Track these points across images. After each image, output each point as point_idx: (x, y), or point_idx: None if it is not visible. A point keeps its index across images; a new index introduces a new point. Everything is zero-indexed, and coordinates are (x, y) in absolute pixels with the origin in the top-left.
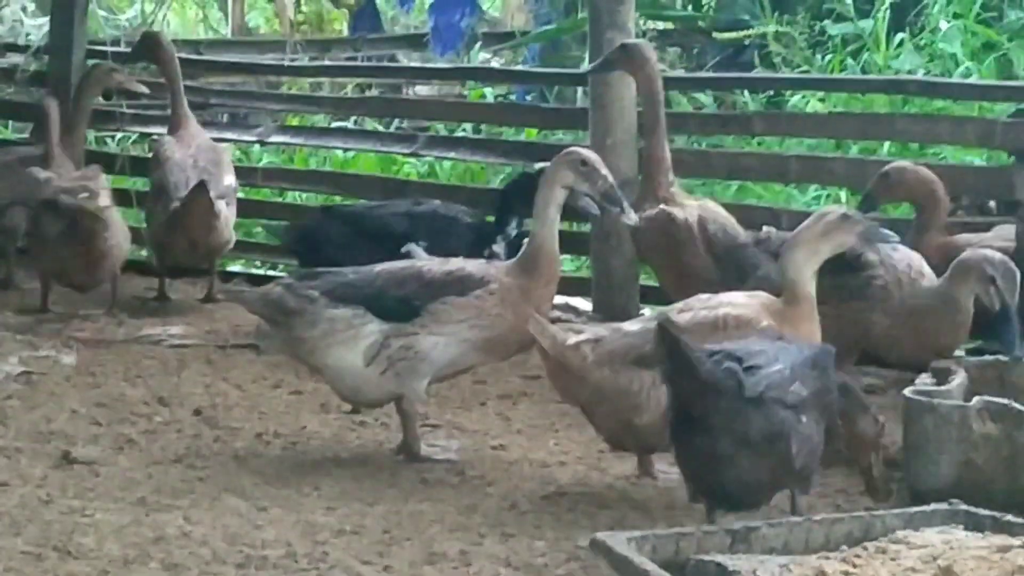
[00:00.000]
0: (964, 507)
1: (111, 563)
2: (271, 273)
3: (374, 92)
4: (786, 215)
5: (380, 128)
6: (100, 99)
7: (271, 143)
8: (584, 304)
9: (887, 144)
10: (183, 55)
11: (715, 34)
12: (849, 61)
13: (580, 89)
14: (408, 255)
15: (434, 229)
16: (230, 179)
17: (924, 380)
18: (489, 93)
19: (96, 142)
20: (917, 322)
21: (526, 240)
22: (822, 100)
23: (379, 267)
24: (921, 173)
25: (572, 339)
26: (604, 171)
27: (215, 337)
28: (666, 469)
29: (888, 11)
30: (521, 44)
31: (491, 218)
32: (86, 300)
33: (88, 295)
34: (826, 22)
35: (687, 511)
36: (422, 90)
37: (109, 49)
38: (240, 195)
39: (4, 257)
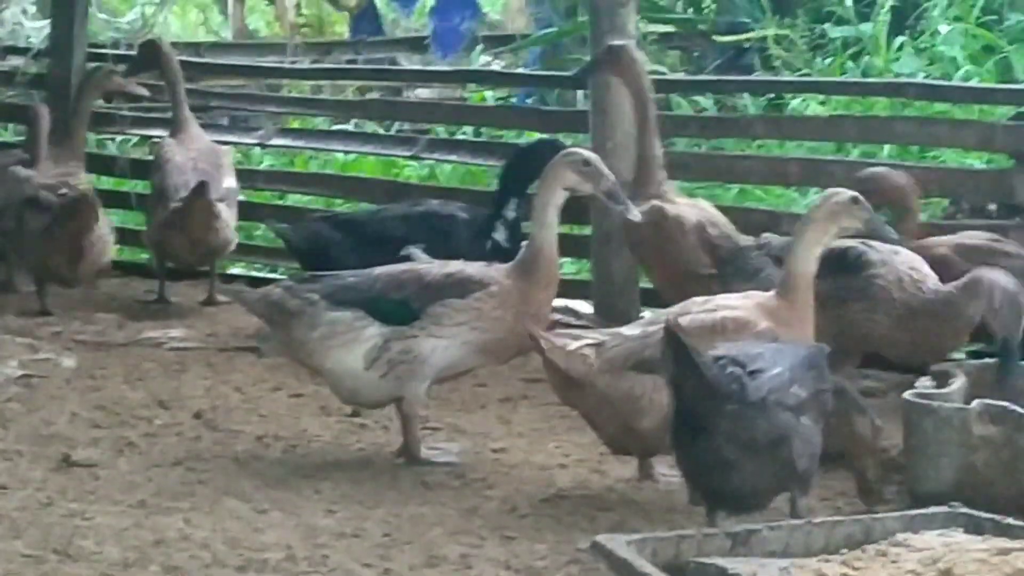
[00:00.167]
0: (964, 510)
1: (111, 566)
2: (272, 276)
3: (375, 95)
4: (786, 218)
5: (381, 131)
6: (100, 102)
7: (272, 146)
8: (585, 307)
9: (887, 147)
10: (184, 58)
11: (716, 37)
12: (849, 64)
13: (581, 92)
14: (408, 258)
15: (433, 229)
16: (231, 181)
17: (924, 383)
18: (490, 96)
19: (96, 144)
20: (919, 323)
21: (526, 229)
22: (822, 103)
23: (378, 270)
24: (892, 178)
25: (573, 345)
26: (606, 170)
27: (216, 340)
28: (667, 472)
29: (888, 14)
30: (522, 47)
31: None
32: (84, 302)
33: (87, 297)
34: (826, 25)
35: (687, 514)
36: (423, 93)
37: (109, 52)
38: (241, 198)
39: (4, 260)
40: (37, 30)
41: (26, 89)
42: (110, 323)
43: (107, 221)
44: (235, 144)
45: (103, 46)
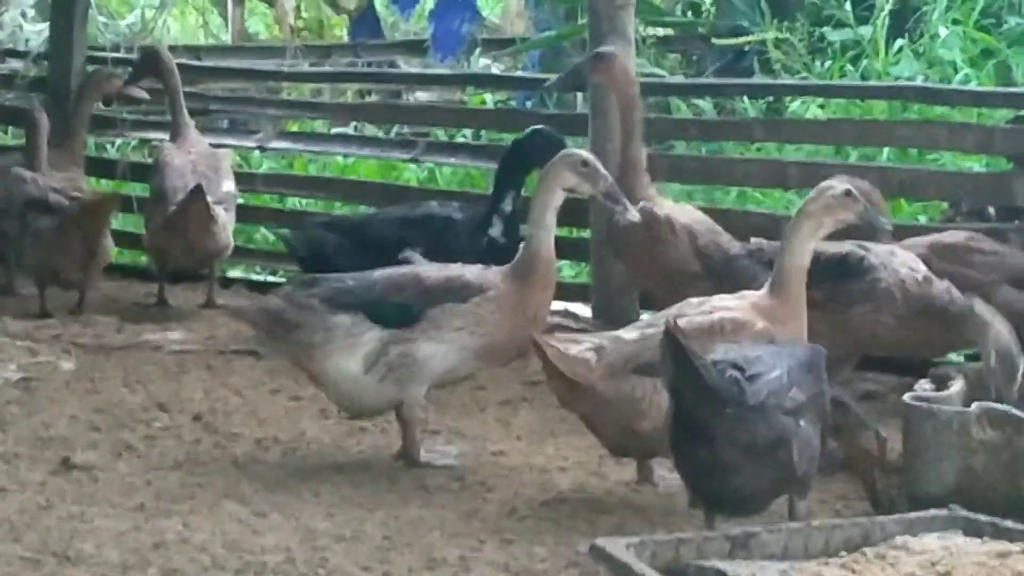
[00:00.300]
0: (963, 513)
1: (110, 569)
2: (271, 279)
3: (374, 98)
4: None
5: (380, 134)
6: (100, 105)
7: (271, 149)
8: (584, 310)
9: (886, 150)
10: (183, 61)
11: (715, 40)
12: (848, 67)
13: (580, 95)
14: (406, 261)
15: (432, 231)
16: (229, 185)
17: (923, 386)
18: (489, 99)
19: (96, 148)
20: (924, 323)
21: (523, 233)
22: (821, 106)
23: (377, 273)
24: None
25: (574, 350)
26: (604, 171)
27: (215, 343)
28: (666, 475)
29: (887, 18)
30: (521, 50)
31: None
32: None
33: (87, 300)
34: (825, 28)
35: (686, 517)
36: (422, 96)
37: (109, 55)
38: (240, 201)
39: (4, 262)
40: (37, 33)
41: (26, 92)
42: (109, 326)
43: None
44: (234, 147)
45: (102, 49)
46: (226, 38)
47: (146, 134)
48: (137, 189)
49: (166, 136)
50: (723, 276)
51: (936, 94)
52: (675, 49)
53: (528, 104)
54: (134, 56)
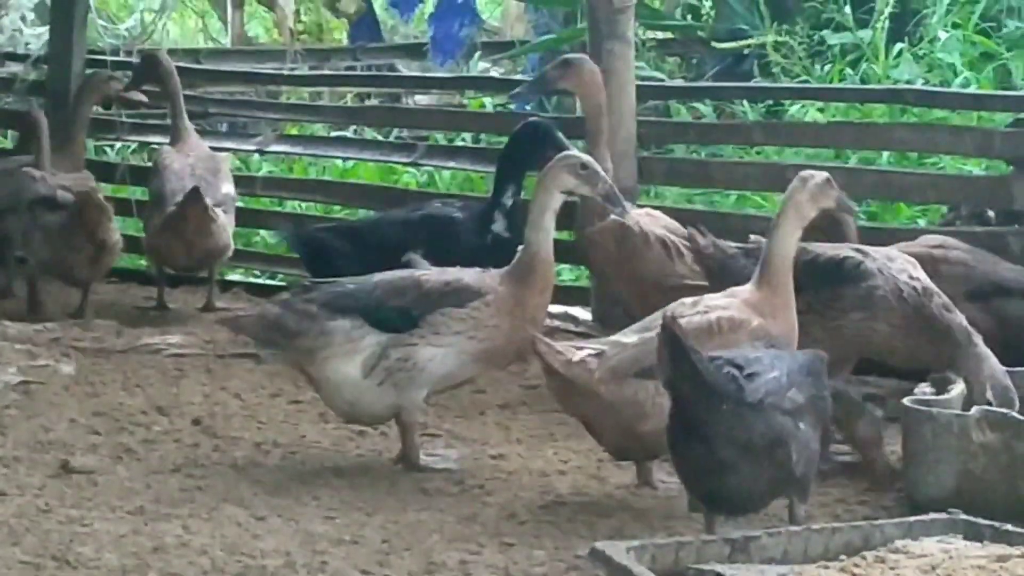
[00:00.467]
0: (963, 516)
1: (110, 572)
2: (271, 282)
3: (373, 101)
4: None
5: (379, 137)
6: (100, 109)
7: (270, 152)
8: (583, 313)
9: (886, 154)
10: (183, 64)
11: (714, 44)
12: (848, 71)
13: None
14: (408, 264)
15: (434, 231)
16: (228, 188)
17: (923, 389)
18: (489, 103)
19: (95, 151)
20: (915, 338)
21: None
22: (821, 110)
23: (377, 277)
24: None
25: (577, 356)
26: (602, 173)
27: (214, 346)
28: (665, 479)
29: (887, 21)
30: (520, 54)
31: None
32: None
33: (86, 303)
34: (825, 32)
35: (686, 520)
36: (421, 99)
37: (108, 58)
38: (239, 204)
39: (3, 265)
40: (36, 36)
41: (25, 96)
42: (109, 329)
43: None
44: (234, 150)
45: (102, 53)
46: (226, 42)
47: (145, 137)
48: (137, 192)
49: (166, 139)
50: (723, 276)
51: (936, 97)
52: (674, 52)
53: (527, 107)
54: (134, 60)
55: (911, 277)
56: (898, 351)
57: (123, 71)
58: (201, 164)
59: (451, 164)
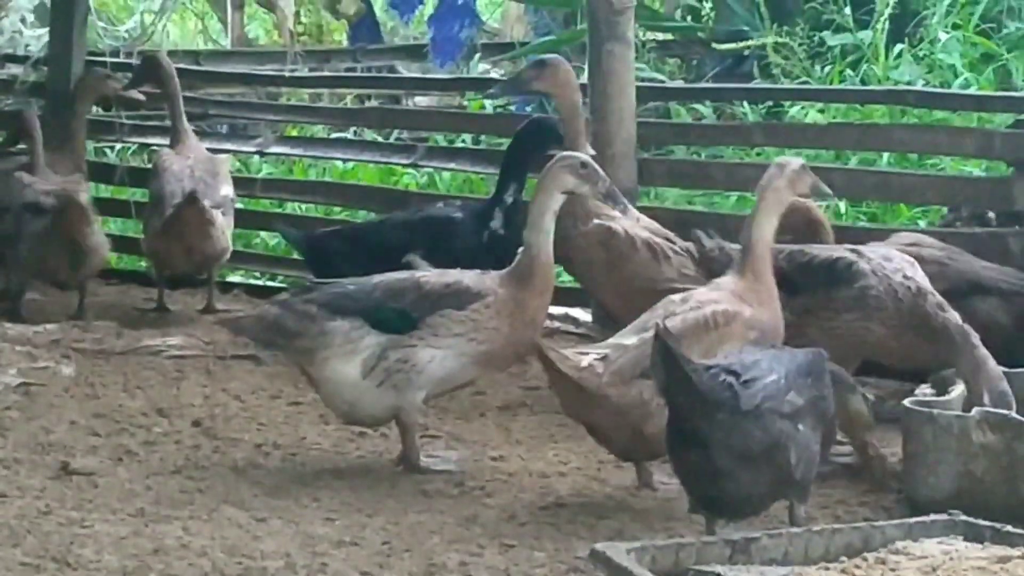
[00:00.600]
0: (964, 518)
1: (110, 574)
2: (271, 284)
3: (373, 103)
4: None
5: (379, 139)
6: (100, 110)
7: (270, 154)
8: (584, 315)
9: (886, 155)
10: (182, 66)
11: (714, 45)
12: (848, 72)
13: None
14: (408, 265)
15: (433, 232)
16: (227, 189)
17: (924, 391)
18: (489, 104)
19: (95, 153)
20: (911, 339)
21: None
22: (821, 111)
23: (377, 278)
24: (794, 202)
25: (584, 361)
26: (602, 172)
27: (214, 348)
28: (665, 480)
29: (887, 22)
30: (520, 55)
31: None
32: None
33: (85, 305)
34: (825, 33)
35: (686, 522)
36: (421, 101)
37: (108, 60)
38: (239, 206)
39: (3, 266)
40: (36, 38)
41: (25, 97)
42: (109, 331)
43: (102, 231)
44: (234, 152)
45: (102, 54)
46: (225, 43)
47: (145, 139)
48: (136, 194)
49: (165, 141)
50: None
51: (936, 99)
52: (675, 54)
53: (527, 109)
54: (134, 61)
55: (906, 277)
56: (894, 352)
57: (123, 72)
58: (200, 166)
59: (451, 166)
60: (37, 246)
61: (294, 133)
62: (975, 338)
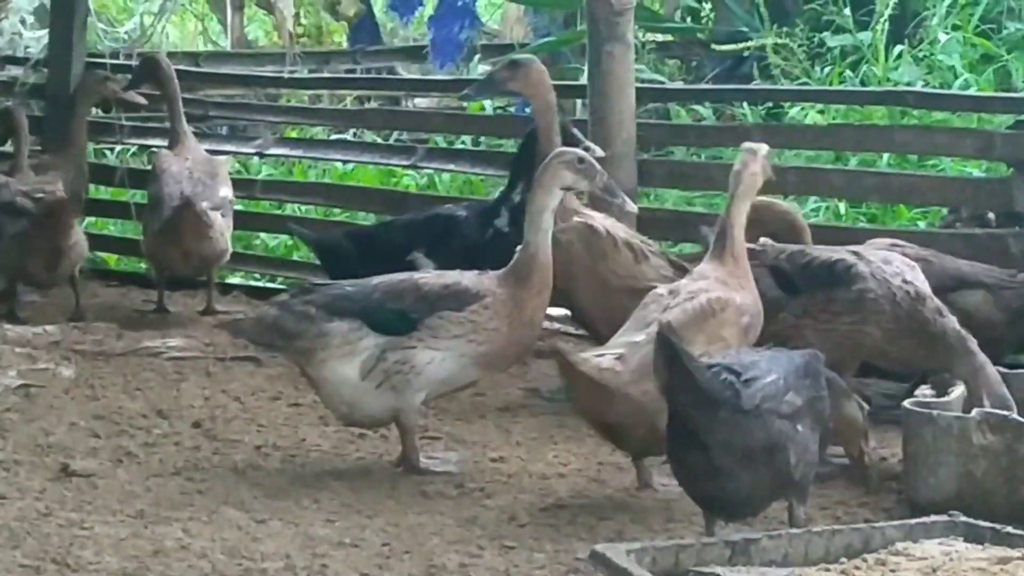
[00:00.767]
0: (964, 519)
1: None
2: (270, 286)
3: (373, 104)
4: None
5: (379, 140)
6: (100, 112)
7: (270, 155)
8: None
9: (886, 156)
10: (182, 67)
11: (714, 46)
12: (848, 73)
13: (579, 101)
14: (412, 264)
15: (437, 231)
16: (226, 191)
17: (924, 392)
18: (488, 105)
19: (95, 154)
20: (909, 343)
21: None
22: (821, 112)
23: (376, 280)
24: (776, 207)
25: (604, 361)
26: (599, 167)
27: (214, 349)
28: (665, 481)
29: (887, 23)
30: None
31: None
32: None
33: (81, 305)
34: (825, 34)
35: (686, 523)
36: (421, 102)
37: (108, 61)
38: (239, 207)
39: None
40: (36, 40)
41: (25, 99)
42: (109, 333)
43: (80, 229)
44: (233, 153)
45: (102, 56)
46: (225, 44)
47: (145, 140)
48: (136, 196)
49: (165, 142)
50: None
51: (936, 99)
52: (674, 55)
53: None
54: (133, 62)
55: (905, 281)
56: (891, 355)
57: (123, 74)
58: (199, 167)
59: (451, 167)
60: (14, 247)
61: (294, 134)
62: (973, 344)
